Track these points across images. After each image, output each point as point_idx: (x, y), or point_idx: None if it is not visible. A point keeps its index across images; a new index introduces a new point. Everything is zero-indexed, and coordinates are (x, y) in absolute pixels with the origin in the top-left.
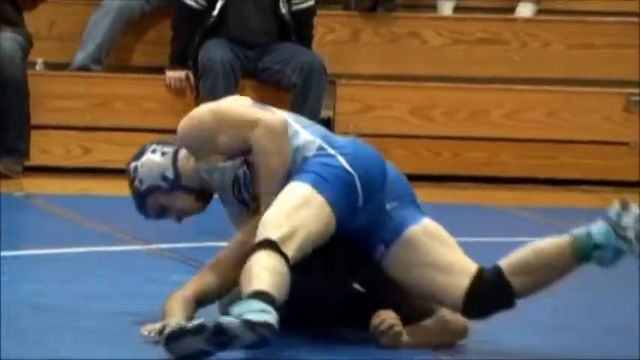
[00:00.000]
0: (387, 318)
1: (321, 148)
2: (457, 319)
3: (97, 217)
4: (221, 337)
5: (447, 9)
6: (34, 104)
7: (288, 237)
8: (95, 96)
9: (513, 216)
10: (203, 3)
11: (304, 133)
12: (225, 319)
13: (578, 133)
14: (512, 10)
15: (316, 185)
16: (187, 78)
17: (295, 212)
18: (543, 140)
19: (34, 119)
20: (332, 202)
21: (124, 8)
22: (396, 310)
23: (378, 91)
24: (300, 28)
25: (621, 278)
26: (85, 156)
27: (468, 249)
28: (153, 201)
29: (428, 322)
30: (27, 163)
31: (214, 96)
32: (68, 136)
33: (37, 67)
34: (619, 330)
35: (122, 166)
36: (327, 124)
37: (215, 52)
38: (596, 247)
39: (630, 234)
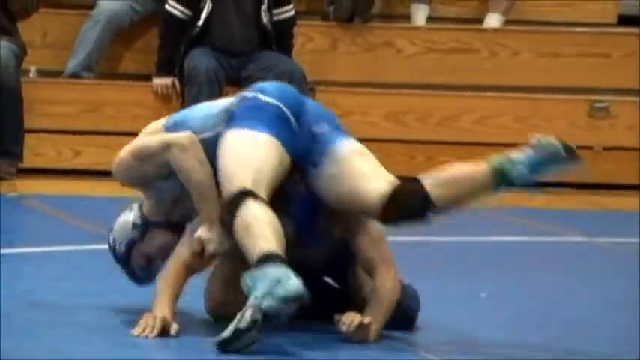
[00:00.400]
0: (354, 317)
1: (242, 97)
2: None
3: (87, 217)
4: (270, 321)
5: (420, 19)
6: (27, 109)
7: (258, 181)
8: (86, 102)
9: (483, 216)
10: (189, 14)
11: (225, 100)
12: (267, 306)
13: None
14: (482, 20)
15: (252, 126)
16: (174, 85)
17: (248, 157)
18: (512, 145)
19: (28, 124)
20: (274, 135)
21: (113, 18)
22: (356, 297)
23: (354, 98)
24: (281, 37)
25: (588, 279)
26: (76, 159)
27: (442, 248)
28: (135, 256)
29: (374, 308)
30: (20, 166)
31: (199, 102)
32: (60, 140)
33: (31, 75)
34: (585, 326)
35: (111, 168)
36: None
37: (200, 60)
38: (513, 162)
39: (549, 146)
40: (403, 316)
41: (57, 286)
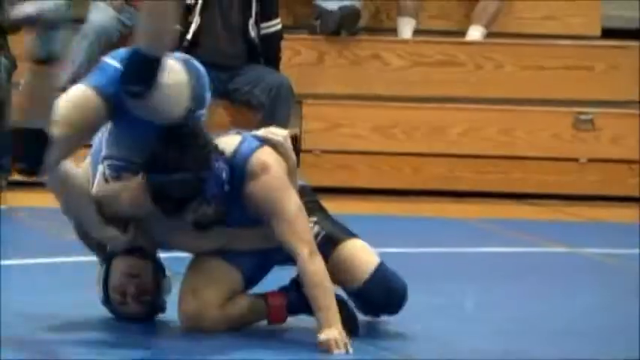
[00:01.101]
0: (338, 340)
1: None
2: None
3: None
4: None
5: (406, 33)
6: None
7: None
8: None
9: (470, 227)
10: (177, 28)
11: None
12: None
13: (530, 150)
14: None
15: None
16: None
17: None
18: (497, 156)
19: None
20: (92, 86)
21: (102, 32)
22: None
23: (342, 111)
24: (268, 51)
25: (575, 286)
26: None
27: (428, 259)
28: (111, 295)
29: (316, 302)
30: (10, 179)
31: None
32: None
33: (21, 88)
34: (572, 333)
35: None
36: (295, 141)
37: None
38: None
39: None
40: (391, 302)
41: (48, 299)
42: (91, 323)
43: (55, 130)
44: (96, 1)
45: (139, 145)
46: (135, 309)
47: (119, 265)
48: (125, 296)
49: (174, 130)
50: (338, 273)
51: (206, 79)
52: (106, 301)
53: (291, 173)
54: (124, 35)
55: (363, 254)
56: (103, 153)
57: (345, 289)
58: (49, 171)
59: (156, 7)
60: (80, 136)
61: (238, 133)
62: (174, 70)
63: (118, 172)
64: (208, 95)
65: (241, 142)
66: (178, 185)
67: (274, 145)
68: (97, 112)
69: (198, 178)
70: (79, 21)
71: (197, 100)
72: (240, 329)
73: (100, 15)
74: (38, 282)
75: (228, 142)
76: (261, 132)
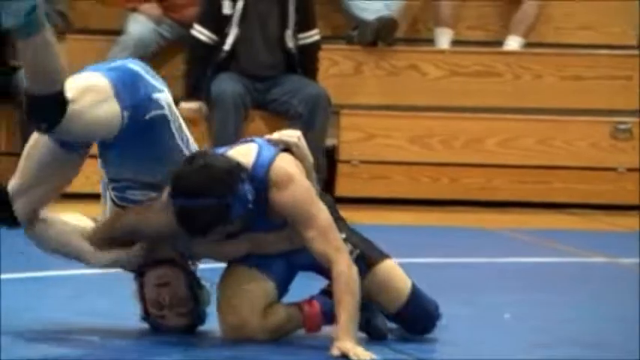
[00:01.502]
0: (362, 353)
1: None
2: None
3: None
4: None
5: (444, 43)
6: None
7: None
8: None
9: (507, 238)
10: (215, 38)
11: None
12: None
13: (568, 160)
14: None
15: None
16: (200, 109)
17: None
18: (535, 166)
19: None
20: None
21: (140, 44)
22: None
23: (379, 121)
24: (306, 61)
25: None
26: None
27: (465, 269)
28: (150, 308)
29: (342, 302)
30: None
31: (226, 127)
32: (87, 165)
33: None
34: (604, 344)
35: None
36: (332, 151)
37: (226, 85)
38: None
39: None
40: (428, 323)
41: (70, 308)
42: (116, 334)
43: (15, 181)
44: (135, 13)
45: (131, 162)
46: (174, 321)
47: (149, 278)
48: (162, 308)
49: (193, 155)
50: (373, 295)
51: (147, 81)
52: (146, 316)
53: (308, 172)
54: (163, 47)
55: (397, 276)
56: (104, 179)
57: (380, 311)
58: (25, 222)
59: (29, 46)
60: (45, 173)
61: (252, 140)
62: (92, 90)
63: (123, 193)
64: (159, 95)
65: (258, 153)
66: (204, 211)
67: (289, 147)
68: (52, 150)
69: (224, 204)
70: (118, 32)
71: (138, 108)
72: (279, 339)
73: (139, 27)
74: (63, 292)
75: (245, 153)
76: (275, 135)
